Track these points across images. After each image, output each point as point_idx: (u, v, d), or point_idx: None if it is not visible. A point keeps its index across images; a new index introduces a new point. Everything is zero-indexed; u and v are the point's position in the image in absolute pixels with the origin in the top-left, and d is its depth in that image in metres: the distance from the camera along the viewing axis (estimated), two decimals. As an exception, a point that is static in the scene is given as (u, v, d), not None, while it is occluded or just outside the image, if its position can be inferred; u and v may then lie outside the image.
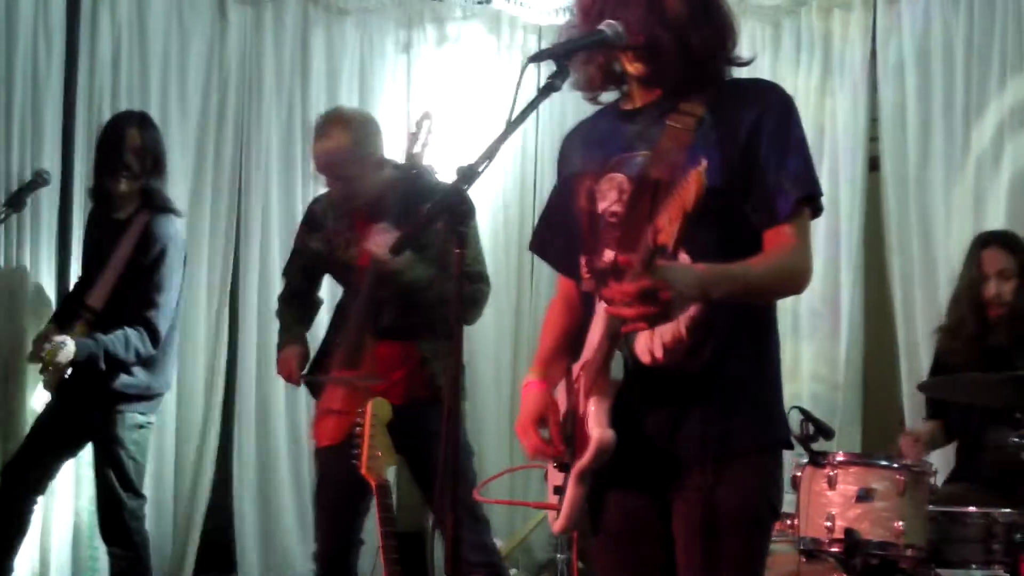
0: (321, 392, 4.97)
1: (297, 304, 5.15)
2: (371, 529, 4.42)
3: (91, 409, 5.33)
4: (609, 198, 2.87)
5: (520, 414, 3.00)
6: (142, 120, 5.62)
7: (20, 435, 5.94)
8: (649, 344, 2.76)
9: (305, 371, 4.96)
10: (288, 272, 5.23)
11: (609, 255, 2.83)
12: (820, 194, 2.83)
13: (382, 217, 4.66)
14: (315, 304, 5.25)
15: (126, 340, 5.29)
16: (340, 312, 5.04)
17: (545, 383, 3.01)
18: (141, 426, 5.47)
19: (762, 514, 2.85)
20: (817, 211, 2.84)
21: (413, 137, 4.75)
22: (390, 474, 4.29)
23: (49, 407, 5.48)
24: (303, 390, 6.52)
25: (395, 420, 4.28)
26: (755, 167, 2.75)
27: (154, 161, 5.52)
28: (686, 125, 2.79)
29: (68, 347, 5.23)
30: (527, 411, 2.98)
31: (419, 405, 4.63)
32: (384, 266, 4.59)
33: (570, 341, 3.04)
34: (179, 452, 6.44)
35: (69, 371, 5.32)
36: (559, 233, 3.07)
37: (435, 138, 4.74)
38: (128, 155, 5.44)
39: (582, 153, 3.00)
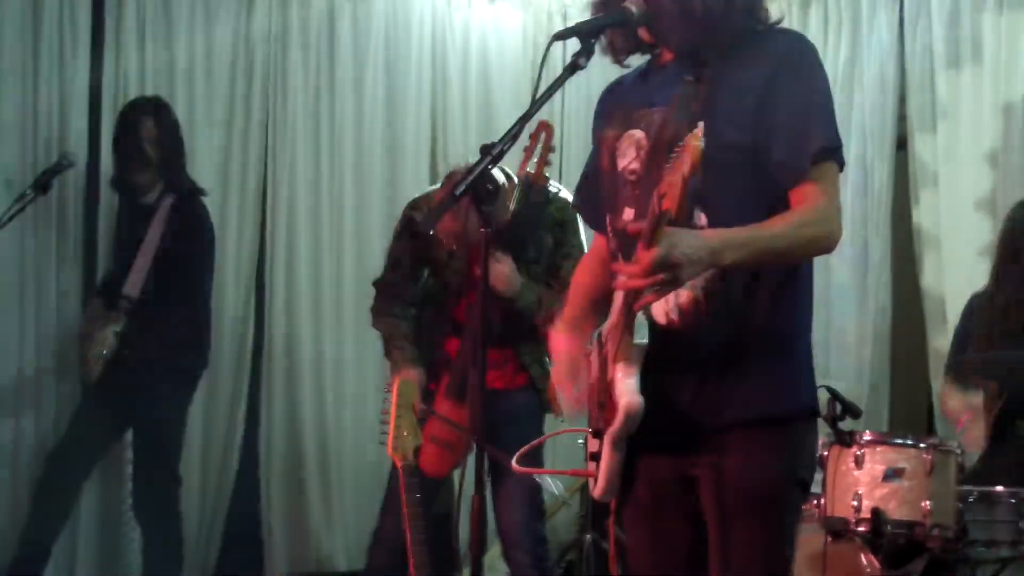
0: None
1: (400, 314, 4.96)
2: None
3: (132, 392, 5.36)
4: (628, 156, 2.86)
5: (554, 368, 3.04)
6: (156, 106, 5.63)
7: (53, 421, 6.00)
8: (665, 306, 2.73)
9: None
10: (387, 284, 5.01)
11: (628, 213, 2.83)
12: (839, 144, 2.75)
13: (500, 243, 4.61)
14: (413, 307, 5.04)
15: None
16: (435, 327, 4.96)
17: (572, 336, 3.02)
18: (181, 407, 5.50)
19: (781, 489, 2.78)
20: (841, 163, 2.77)
21: (529, 152, 4.63)
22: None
23: (91, 392, 5.50)
24: (331, 374, 6.61)
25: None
26: (773, 123, 2.70)
27: (172, 146, 5.54)
28: (703, 82, 2.76)
29: (108, 341, 5.30)
30: (560, 366, 3.01)
31: (506, 393, 4.71)
32: (501, 295, 4.63)
33: (599, 298, 3.02)
34: (206, 437, 6.44)
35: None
36: (592, 190, 3.06)
37: (552, 152, 4.63)
38: (145, 144, 5.46)
39: (611, 111, 3.00)
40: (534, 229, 4.74)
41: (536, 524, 4.86)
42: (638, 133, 2.85)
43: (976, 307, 5.19)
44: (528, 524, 4.81)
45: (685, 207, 2.39)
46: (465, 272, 4.77)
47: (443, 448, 4.65)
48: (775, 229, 2.66)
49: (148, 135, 5.47)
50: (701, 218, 2.63)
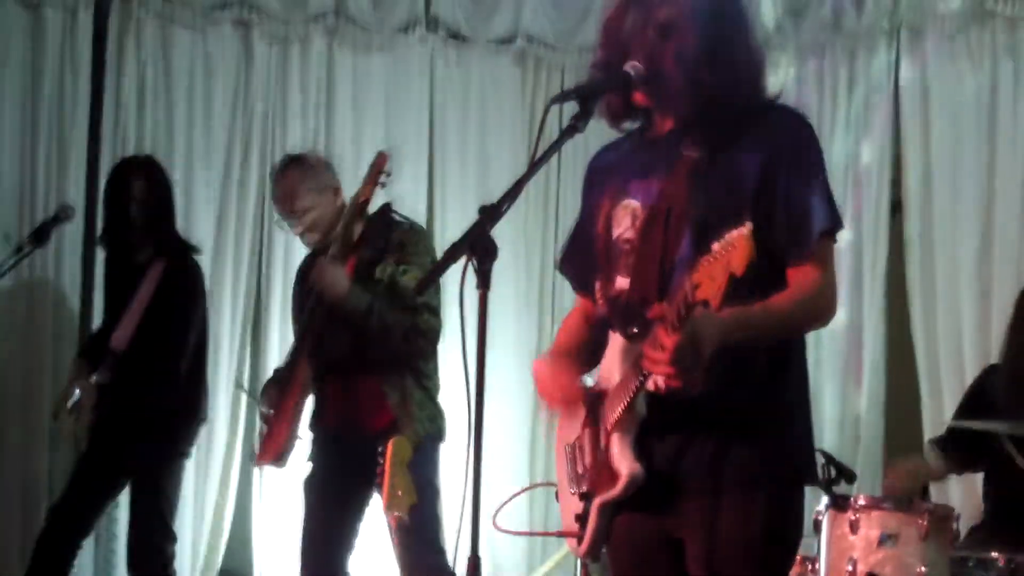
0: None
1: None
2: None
3: (131, 446, 5.35)
4: (623, 224, 2.88)
5: (543, 380, 2.99)
6: (147, 167, 5.60)
7: (42, 456, 6.04)
8: None
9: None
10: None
11: (622, 282, 2.85)
12: (841, 225, 2.80)
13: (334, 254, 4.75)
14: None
15: None
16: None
17: (552, 362, 3.02)
18: (177, 463, 5.51)
19: (770, 550, 2.79)
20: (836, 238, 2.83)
21: (369, 177, 4.77)
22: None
23: (89, 447, 5.50)
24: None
25: (351, 452, 4.30)
26: (774, 202, 2.72)
27: (160, 207, 5.52)
28: (702, 156, 2.78)
29: (87, 390, 5.36)
30: (544, 379, 2.98)
31: (375, 437, 4.55)
32: (326, 293, 4.67)
33: (582, 351, 3.05)
34: (198, 487, 6.44)
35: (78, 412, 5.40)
36: (580, 254, 3.08)
37: (389, 178, 4.78)
38: (133, 207, 5.45)
39: (603, 177, 3.01)
40: (378, 252, 4.80)
41: (433, 558, 4.75)
42: (634, 203, 2.87)
43: (991, 379, 5.16)
44: (423, 559, 4.65)
45: (725, 303, 2.42)
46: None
47: (265, 440, 4.88)
48: (779, 308, 2.71)
49: (138, 196, 5.45)
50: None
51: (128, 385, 5.37)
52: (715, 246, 2.41)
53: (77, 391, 5.39)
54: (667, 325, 2.54)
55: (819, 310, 2.79)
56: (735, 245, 2.38)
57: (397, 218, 4.90)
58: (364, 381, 4.76)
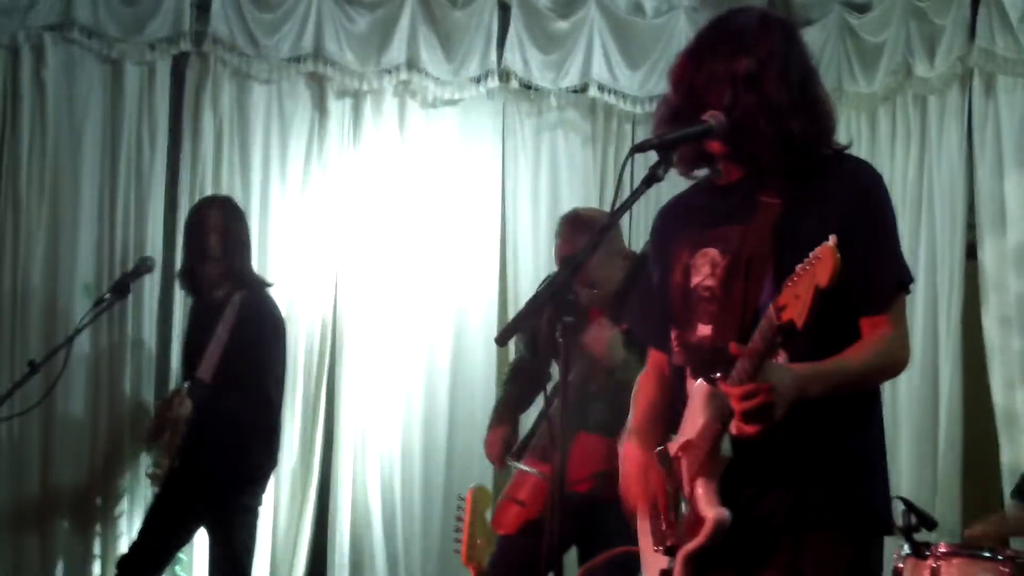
0: (512, 478, 4.91)
1: (522, 379, 5.14)
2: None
3: (204, 493, 5.38)
4: (703, 272, 2.89)
5: (623, 477, 3.04)
6: (223, 203, 5.75)
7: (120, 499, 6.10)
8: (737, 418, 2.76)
9: (510, 453, 4.93)
10: (520, 344, 5.20)
11: (704, 330, 2.87)
12: (912, 279, 2.86)
13: (609, 313, 4.65)
14: (542, 379, 5.06)
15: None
16: (550, 398, 4.97)
17: (642, 447, 3.03)
18: (252, 509, 5.53)
19: None
20: (909, 290, 2.88)
21: None
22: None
23: (161, 495, 5.53)
24: (398, 467, 6.60)
25: (582, 513, 4.29)
26: (849, 258, 2.68)
27: (237, 240, 5.61)
28: (779, 203, 2.81)
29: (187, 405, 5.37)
30: (631, 472, 3.02)
31: (610, 504, 4.55)
32: (600, 362, 4.61)
33: (661, 413, 3.06)
34: (274, 536, 6.47)
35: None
36: (652, 311, 3.09)
37: None
38: (211, 237, 5.53)
39: (676, 228, 3.03)
40: None
41: None
42: (712, 251, 2.88)
43: None
44: None
45: (812, 320, 2.44)
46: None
47: (520, 507, 4.69)
48: (855, 361, 2.74)
49: (214, 227, 5.55)
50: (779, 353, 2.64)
51: (211, 418, 5.41)
52: (798, 267, 2.46)
53: (189, 400, 5.43)
54: (751, 356, 2.57)
55: (894, 363, 2.83)
56: (820, 257, 2.42)
57: None
58: (610, 445, 4.61)
